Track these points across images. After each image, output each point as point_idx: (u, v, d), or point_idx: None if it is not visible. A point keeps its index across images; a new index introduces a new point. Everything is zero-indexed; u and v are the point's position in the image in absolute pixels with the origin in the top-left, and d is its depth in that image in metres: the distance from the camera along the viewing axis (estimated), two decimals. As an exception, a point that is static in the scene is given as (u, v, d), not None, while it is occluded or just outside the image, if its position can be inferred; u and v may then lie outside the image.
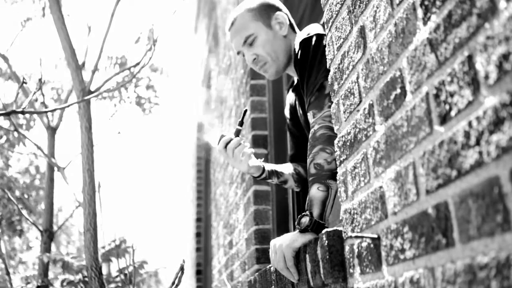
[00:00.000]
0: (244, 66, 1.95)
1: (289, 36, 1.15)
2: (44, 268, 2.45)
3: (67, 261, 2.16)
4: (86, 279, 2.11)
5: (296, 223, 0.90)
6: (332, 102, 0.93)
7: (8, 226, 3.94)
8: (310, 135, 0.96)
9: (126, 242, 2.34)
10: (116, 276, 2.24)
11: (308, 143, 0.96)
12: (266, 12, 1.14)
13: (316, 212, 0.87)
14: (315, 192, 0.88)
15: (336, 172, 0.87)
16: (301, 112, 1.17)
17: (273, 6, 1.16)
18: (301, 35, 1.09)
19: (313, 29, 1.08)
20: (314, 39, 1.04)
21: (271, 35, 1.12)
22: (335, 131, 0.80)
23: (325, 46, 1.00)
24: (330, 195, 0.88)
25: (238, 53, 1.17)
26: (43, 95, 2.55)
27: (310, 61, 1.02)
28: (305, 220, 0.86)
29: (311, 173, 0.91)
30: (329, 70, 0.95)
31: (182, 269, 1.30)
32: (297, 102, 1.19)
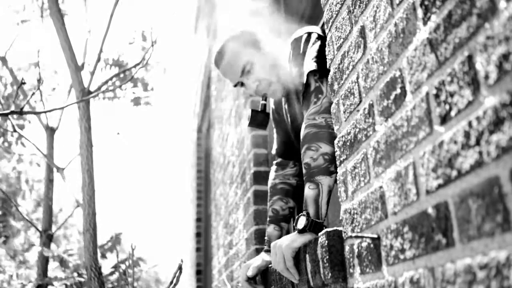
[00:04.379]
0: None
1: (281, 55, 1.14)
2: (44, 268, 2.45)
3: (65, 259, 2.16)
4: (82, 279, 2.10)
5: (293, 224, 0.90)
6: (317, 98, 0.94)
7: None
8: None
9: (120, 238, 2.33)
10: (111, 273, 2.23)
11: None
12: (250, 37, 1.12)
13: (311, 211, 0.87)
14: (307, 191, 0.89)
15: (325, 167, 0.87)
16: (286, 108, 1.18)
17: (253, 31, 1.15)
18: (292, 36, 1.10)
19: (304, 29, 1.08)
20: (304, 37, 1.04)
21: (266, 58, 1.11)
22: (335, 131, 0.80)
23: (315, 42, 1.01)
24: (322, 192, 0.87)
25: (235, 85, 1.13)
26: (41, 96, 2.55)
27: (300, 60, 1.02)
28: (302, 220, 0.86)
29: (303, 174, 0.92)
30: (320, 68, 0.95)
31: (180, 268, 1.30)
32: (284, 100, 1.20)
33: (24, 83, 1.21)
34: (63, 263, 2.32)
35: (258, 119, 1.15)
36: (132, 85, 3.78)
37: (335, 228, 0.75)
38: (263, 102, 1.13)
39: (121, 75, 3.44)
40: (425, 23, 0.52)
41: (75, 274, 2.20)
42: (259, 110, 1.15)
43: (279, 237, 1.17)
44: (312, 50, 1.00)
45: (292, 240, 0.87)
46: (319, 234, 0.77)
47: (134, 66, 1.82)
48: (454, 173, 0.45)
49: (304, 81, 0.98)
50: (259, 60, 1.09)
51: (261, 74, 1.09)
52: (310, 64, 0.97)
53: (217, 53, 1.13)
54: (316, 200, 0.87)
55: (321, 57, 0.97)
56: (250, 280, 1.11)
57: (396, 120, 0.58)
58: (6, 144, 3.73)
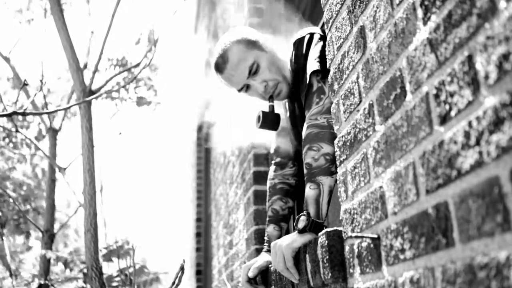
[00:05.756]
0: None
1: (284, 56, 1.13)
2: (45, 268, 2.45)
3: (68, 259, 2.17)
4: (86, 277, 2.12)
5: (294, 224, 0.90)
6: (320, 98, 0.94)
7: (15, 228, 3.95)
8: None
9: (128, 243, 2.36)
10: (117, 276, 2.25)
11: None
12: (254, 40, 1.10)
13: (312, 211, 0.87)
14: (308, 191, 0.89)
15: (327, 167, 0.87)
16: (287, 107, 1.18)
17: (255, 33, 1.14)
18: (294, 37, 1.10)
19: (307, 30, 1.08)
20: (306, 38, 1.04)
21: (270, 57, 1.09)
22: (335, 130, 0.81)
23: (317, 42, 1.01)
24: (323, 192, 0.87)
25: (240, 89, 1.10)
26: (44, 96, 2.56)
27: (303, 61, 1.02)
28: (303, 220, 0.86)
29: (304, 174, 0.92)
30: (323, 68, 0.95)
31: (182, 269, 1.30)
32: (285, 100, 1.20)
33: (26, 84, 1.21)
34: (67, 264, 2.33)
35: (269, 120, 1.13)
36: (135, 86, 3.79)
37: (335, 228, 0.75)
38: (271, 104, 1.11)
39: (127, 75, 3.45)
40: (425, 23, 0.52)
41: (81, 275, 2.22)
42: (269, 111, 1.13)
43: (279, 237, 1.17)
44: (315, 50, 1.00)
45: (292, 240, 0.87)
46: (319, 234, 0.77)
47: (135, 66, 1.83)
48: (454, 173, 0.45)
49: (307, 82, 0.98)
50: (264, 60, 1.07)
51: (267, 74, 1.07)
52: (312, 65, 0.97)
53: (219, 58, 1.09)
54: (317, 200, 0.87)
55: (323, 57, 0.97)
56: (251, 280, 1.12)
57: (396, 120, 0.58)
58: (11, 144, 3.75)
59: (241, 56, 1.06)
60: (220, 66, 1.09)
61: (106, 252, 2.31)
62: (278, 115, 1.14)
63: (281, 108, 1.23)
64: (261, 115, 1.13)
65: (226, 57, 1.07)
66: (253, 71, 1.07)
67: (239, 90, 1.11)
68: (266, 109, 1.13)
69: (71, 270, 2.30)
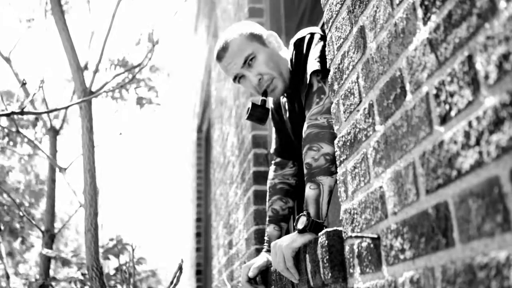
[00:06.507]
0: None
1: (284, 55, 1.13)
2: (46, 267, 2.45)
3: (67, 259, 2.18)
4: (85, 277, 2.12)
5: (294, 224, 0.90)
6: (320, 98, 0.95)
7: (11, 234, 3.95)
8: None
9: (122, 241, 2.36)
10: (114, 274, 2.25)
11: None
12: (257, 33, 1.11)
13: (312, 211, 0.87)
14: (308, 191, 0.89)
15: (327, 167, 0.88)
16: (287, 108, 1.19)
17: (260, 28, 1.15)
18: (295, 37, 1.10)
19: (307, 30, 1.09)
20: (307, 38, 1.04)
21: (270, 52, 1.09)
22: (335, 130, 0.81)
23: (317, 42, 1.01)
24: (323, 192, 0.87)
25: (235, 78, 1.11)
26: (44, 98, 2.56)
27: (303, 61, 1.02)
28: (303, 220, 0.86)
29: (304, 174, 0.92)
30: (323, 68, 0.96)
31: (180, 268, 1.30)
32: (285, 100, 1.20)
33: (25, 83, 1.21)
34: (65, 262, 2.34)
35: (257, 113, 1.13)
36: (135, 86, 3.79)
37: (335, 228, 0.75)
38: (264, 98, 1.12)
39: (128, 76, 3.44)
40: (425, 23, 0.52)
41: (79, 273, 2.23)
42: (259, 104, 1.14)
43: (279, 237, 1.17)
44: (315, 50, 1.00)
45: (292, 240, 0.87)
46: (319, 234, 0.77)
47: (136, 66, 1.83)
48: (454, 173, 0.45)
49: (307, 81, 0.98)
50: (262, 54, 1.08)
51: (263, 68, 1.08)
52: (313, 65, 0.97)
53: (220, 45, 1.11)
54: (317, 200, 0.87)
55: (323, 57, 0.97)
56: (251, 280, 1.12)
57: (396, 120, 0.58)
58: (11, 144, 3.74)
59: (240, 47, 1.08)
60: (220, 54, 1.11)
61: (103, 251, 2.32)
62: (267, 110, 1.14)
63: (283, 107, 1.23)
64: (250, 107, 1.14)
65: (227, 47, 1.10)
66: (249, 62, 1.08)
67: (234, 80, 1.12)
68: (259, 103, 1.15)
69: (69, 267, 2.31)
